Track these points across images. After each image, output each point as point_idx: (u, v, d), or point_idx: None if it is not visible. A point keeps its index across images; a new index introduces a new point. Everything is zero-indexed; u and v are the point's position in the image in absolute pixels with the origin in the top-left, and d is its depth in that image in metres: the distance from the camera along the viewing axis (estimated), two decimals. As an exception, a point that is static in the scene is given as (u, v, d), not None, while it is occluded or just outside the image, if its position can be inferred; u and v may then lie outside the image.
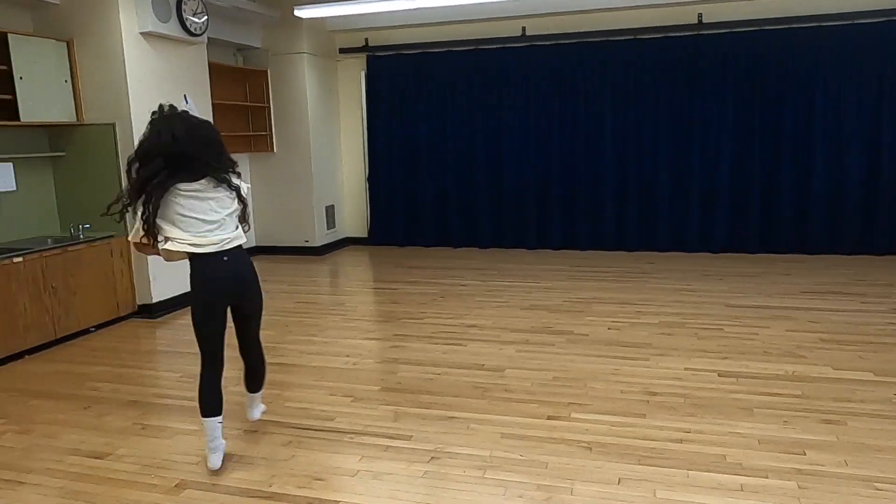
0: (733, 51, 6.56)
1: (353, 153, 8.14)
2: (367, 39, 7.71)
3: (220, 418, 2.71)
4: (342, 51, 7.84)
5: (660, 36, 6.77)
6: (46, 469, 2.74)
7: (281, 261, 7.29)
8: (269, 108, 7.38)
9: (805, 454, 2.66)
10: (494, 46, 7.24)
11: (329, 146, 7.83)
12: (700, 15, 6.63)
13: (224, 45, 6.80)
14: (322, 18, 7.36)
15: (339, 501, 2.44)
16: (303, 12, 6.51)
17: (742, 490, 2.42)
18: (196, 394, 2.74)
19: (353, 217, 8.26)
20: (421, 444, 2.87)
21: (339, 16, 7.21)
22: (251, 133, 7.35)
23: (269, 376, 3.71)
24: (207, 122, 2.77)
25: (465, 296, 5.46)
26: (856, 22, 6.22)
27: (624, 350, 4.01)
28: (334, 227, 7.95)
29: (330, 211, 7.84)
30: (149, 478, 2.65)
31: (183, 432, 3.06)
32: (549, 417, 3.09)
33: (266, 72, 7.32)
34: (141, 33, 4.93)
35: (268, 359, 3.99)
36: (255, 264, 2.94)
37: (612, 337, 4.27)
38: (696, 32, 6.66)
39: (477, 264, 6.80)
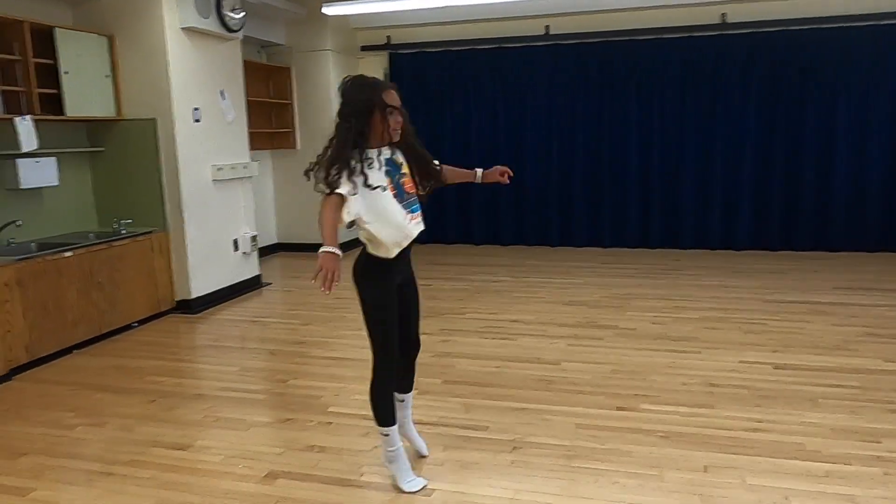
0: (757, 50, 6.64)
1: (373, 151, 8.14)
2: (389, 37, 7.73)
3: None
4: (364, 48, 7.85)
5: (684, 35, 6.84)
6: (132, 461, 2.75)
7: (305, 258, 7.27)
8: (292, 104, 7.39)
9: (881, 442, 2.73)
10: (518, 45, 7.29)
11: (351, 143, 7.83)
12: (724, 14, 6.71)
13: (249, 41, 6.78)
14: (345, 16, 7.37)
15: (435, 489, 2.47)
16: (330, 9, 6.53)
17: (829, 476, 2.47)
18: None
19: (374, 214, 8.26)
20: (500, 434, 2.91)
21: (363, 13, 7.24)
22: (274, 130, 7.35)
23: (328, 370, 3.77)
24: None
25: (502, 292, 5.50)
26: (882, 23, 6.32)
27: (674, 343, 4.07)
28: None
29: (351, 208, 7.83)
30: (237, 468, 2.67)
31: (258, 424, 3.08)
32: (618, 408, 3.14)
33: (290, 69, 7.32)
34: (182, 29, 4.92)
35: (320, 353, 4.06)
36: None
37: (658, 331, 4.33)
38: (719, 32, 6.75)
39: (503, 261, 6.85)
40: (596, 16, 6.98)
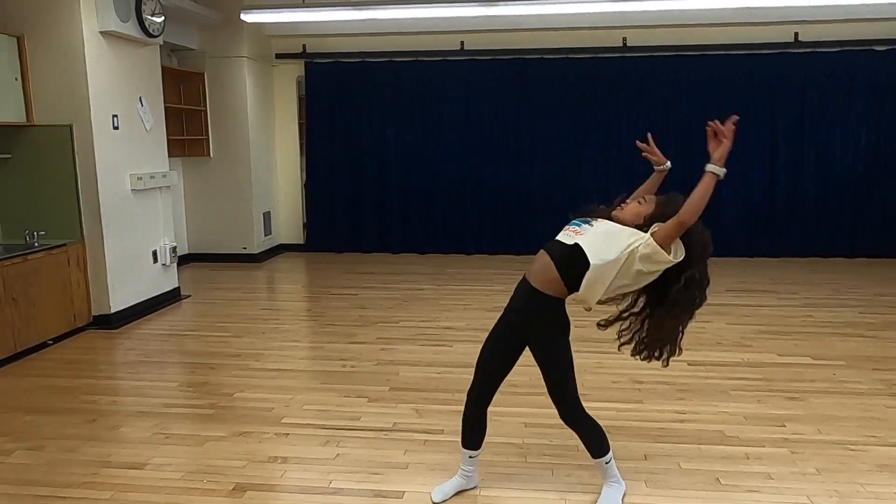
0: (654, 72, 7.24)
1: (288, 159, 8.09)
2: (304, 46, 7.71)
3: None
4: (279, 56, 7.79)
5: (589, 56, 7.33)
6: (84, 482, 2.67)
7: (219, 268, 7.12)
8: (205, 111, 7.20)
9: (785, 426, 3.14)
10: (434, 59, 7.51)
11: (266, 152, 7.75)
12: (625, 39, 7.26)
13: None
14: (260, 23, 7.28)
15: (406, 491, 2.59)
16: (249, 16, 6.47)
17: (748, 458, 2.83)
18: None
19: (289, 223, 8.20)
20: (455, 436, 3.04)
21: (279, 22, 7.19)
22: (186, 137, 7.13)
23: (274, 382, 3.78)
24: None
25: (429, 300, 5.67)
26: (757, 52, 7.09)
27: (598, 345, 4.33)
28: (270, 233, 7.86)
29: (267, 217, 7.75)
30: (201, 484, 2.66)
31: (213, 439, 3.06)
32: (559, 407, 3.38)
33: (203, 74, 7.14)
34: (100, 32, 4.73)
35: (261, 365, 4.05)
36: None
37: (582, 334, 4.58)
38: (621, 55, 7.29)
39: (422, 269, 7.02)
40: (509, 34, 7.33)
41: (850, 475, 2.67)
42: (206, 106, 7.18)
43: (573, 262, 2.27)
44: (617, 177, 7.43)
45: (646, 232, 2.28)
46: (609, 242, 2.25)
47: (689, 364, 4.00)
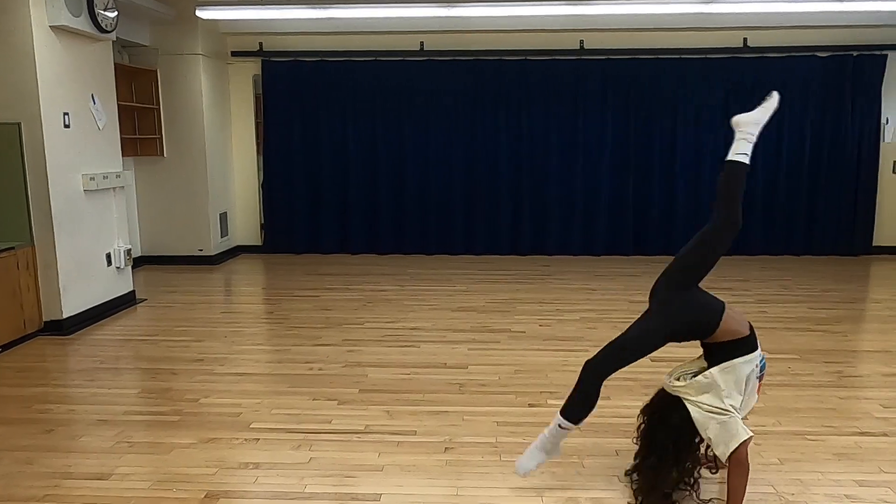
0: (611, 74, 7.38)
1: (244, 159, 7.94)
2: (261, 44, 7.58)
3: None
4: (234, 54, 7.63)
5: (547, 58, 7.43)
6: (46, 496, 2.56)
7: (174, 270, 6.94)
8: (158, 109, 7.01)
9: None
10: (395, 59, 7.48)
11: (222, 151, 7.59)
12: (582, 41, 7.39)
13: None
14: (215, 20, 7.12)
15: (381, 493, 2.58)
16: (205, 13, 6.34)
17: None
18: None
19: (246, 225, 8.05)
20: (428, 437, 3.06)
21: (235, 19, 7.06)
22: (138, 136, 6.93)
23: (239, 387, 3.70)
24: None
25: (392, 301, 5.65)
26: (709, 57, 7.31)
27: (562, 343, 4.46)
28: (227, 235, 7.70)
29: (223, 218, 7.58)
30: (171, 492, 2.59)
31: (180, 446, 2.98)
32: (529, 405, 3.43)
33: (155, 72, 6.94)
34: (51, 27, 4.55)
35: (225, 370, 3.97)
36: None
37: (547, 332, 4.71)
38: (578, 57, 7.41)
39: (384, 270, 6.98)
40: (468, 35, 7.36)
41: (811, 464, 2.78)
42: (159, 104, 6.99)
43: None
44: (577, 177, 7.56)
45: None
46: None
47: (651, 361, 4.08)
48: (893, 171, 7.55)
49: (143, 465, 2.81)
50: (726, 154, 2.57)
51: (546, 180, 7.58)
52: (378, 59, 7.51)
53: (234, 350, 4.35)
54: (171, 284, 6.32)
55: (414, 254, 7.77)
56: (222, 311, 5.38)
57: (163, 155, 7.07)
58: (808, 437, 3.04)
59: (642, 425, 2.56)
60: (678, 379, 2.49)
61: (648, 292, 2.66)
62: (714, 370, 2.38)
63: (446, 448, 2.95)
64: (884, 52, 7.25)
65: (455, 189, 7.66)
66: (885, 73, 7.29)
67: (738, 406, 2.36)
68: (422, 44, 7.48)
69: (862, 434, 3.07)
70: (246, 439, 3.04)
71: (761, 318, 5.05)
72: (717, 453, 2.37)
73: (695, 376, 2.43)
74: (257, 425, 3.19)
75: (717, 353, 2.42)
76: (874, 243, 7.59)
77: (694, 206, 7.53)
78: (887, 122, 7.44)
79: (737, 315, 2.46)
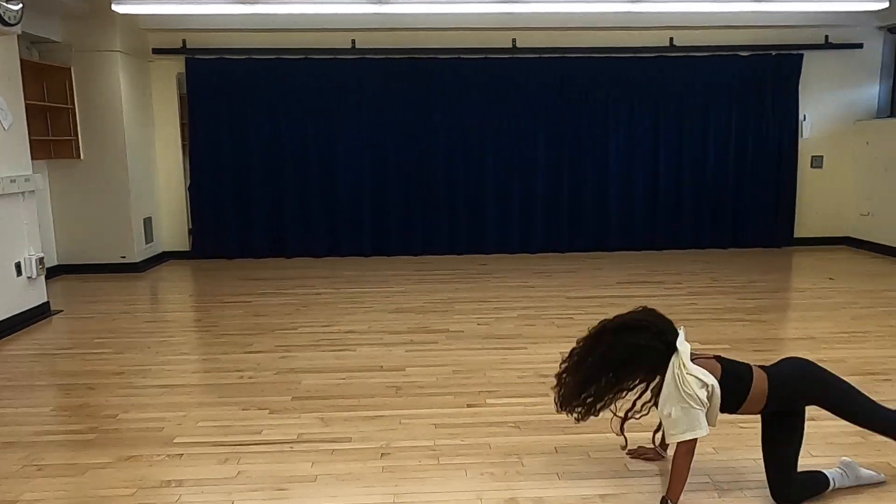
0: (543, 72, 7.43)
1: (170, 161, 7.61)
2: (184, 41, 7.28)
3: None
4: (156, 51, 7.30)
5: (480, 57, 7.42)
6: (-60, 529, 2.33)
7: (96, 279, 6.57)
8: (73, 109, 6.62)
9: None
10: (326, 57, 7.32)
11: (145, 153, 7.24)
12: (514, 40, 7.41)
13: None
14: (134, 15, 6.78)
15: (315, 506, 2.46)
16: (122, 7, 6.03)
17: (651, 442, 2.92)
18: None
19: (173, 230, 7.71)
20: (364, 443, 2.96)
21: (155, 14, 6.74)
22: (51, 137, 6.52)
23: (162, 399, 3.50)
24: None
25: (327, 304, 5.50)
26: (636, 56, 7.45)
27: (501, 342, 4.43)
28: (152, 241, 7.36)
29: (147, 223, 7.24)
30: (83, 517, 2.40)
31: (95, 466, 2.77)
32: (468, 405, 3.36)
33: (69, 69, 6.55)
34: (-55, 19, 4.21)
35: (147, 382, 3.75)
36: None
37: (485, 331, 4.67)
38: (511, 56, 7.43)
39: (319, 273, 6.82)
40: (400, 33, 7.27)
41: (741, 451, 2.83)
42: (74, 104, 6.60)
43: None
44: (513, 176, 7.57)
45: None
46: None
47: (589, 355, 4.09)
48: (811, 166, 7.89)
49: (54, 489, 2.60)
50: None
51: (481, 179, 7.57)
52: (309, 56, 7.33)
53: (158, 361, 4.12)
54: (91, 294, 5.98)
55: (350, 256, 7.62)
56: (146, 321, 5.10)
57: (79, 157, 6.68)
58: (741, 425, 3.08)
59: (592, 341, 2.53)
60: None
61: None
62: (716, 383, 2.38)
63: (383, 454, 2.85)
64: (800, 52, 7.57)
65: (390, 189, 7.55)
66: (802, 72, 7.61)
67: (706, 406, 2.38)
68: (353, 41, 7.34)
69: (791, 419, 3.13)
70: (168, 455, 2.86)
71: (692, 309, 5.16)
72: (666, 433, 2.40)
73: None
74: (181, 440, 3.01)
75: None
76: (795, 235, 7.91)
77: (627, 202, 7.67)
78: (805, 119, 7.77)
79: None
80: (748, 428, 3.05)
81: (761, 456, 2.79)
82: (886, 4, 6.35)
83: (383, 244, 7.65)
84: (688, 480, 2.58)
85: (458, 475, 2.67)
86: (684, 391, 2.33)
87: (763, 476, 2.58)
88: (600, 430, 3.04)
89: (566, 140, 7.58)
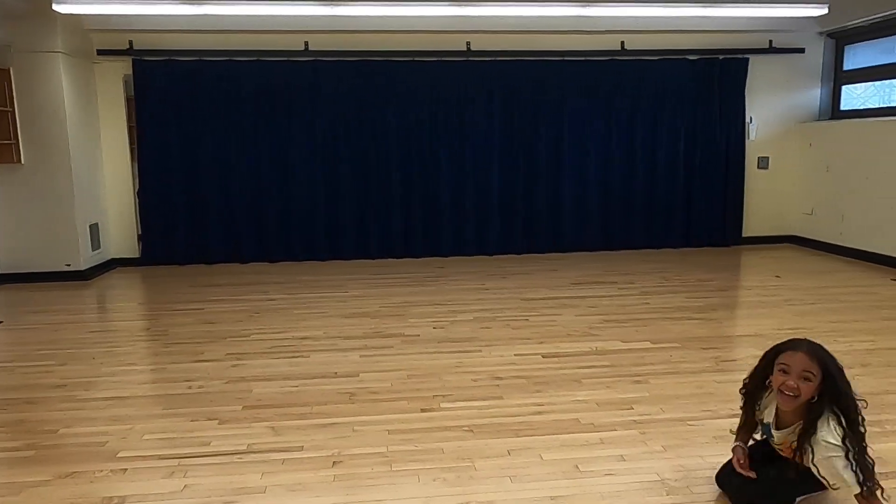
0: (497, 75, 7.47)
1: (117, 165, 7.39)
2: (131, 42, 7.09)
3: None
4: (101, 52, 7.09)
5: (435, 59, 7.42)
6: None
7: (40, 289, 6.33)
8: (12, 112, 6.37)
9: (633, 408, 3.32)
10: (279, 59, 7.22)
11: (90, 157, 7.02)
12: (468, 43, 7.43)
13: (-46, 36, 5.74)
14: (77, 15, 6.57)
15: (264, 518, 2.41)
16: (63, 7, 5.84)
17: (602, 443, 2.95)
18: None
19: (121, 236, 7.49)
20: (316, 452, 2.91)
21: (99, 14, 6.54)
22: (-10, 141, 6.28)
23: (107, 412, 3.39)
24: None
25: (282, 310, 5.41)
26: (588, 59, 7.56)
27: (456, 345, 4.42)
28: (99, 247, 7.14)
29: (94, 230, 7.02)
30: (18, 539, 2.30)
31: (32, 485, 2.65)
32: (422, 410, 3.35)
33: (8, 70, 6.31)
34: None
35: (91, 395, 3.63)
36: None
37: (440, 335, 4.66)
38: (465, 59, 7.45)
39: (274, 279, 6.71)
40: (354, 35, 7.21)
41: (692, 448, 2.88)
42: (13, 106, 6.35)
43: None
44: (468, 178, 7.59)
45: None
46: None
47: (543, 357, 4.14)
48: (758, 167, 8.12)
49: (-13, 509, 2.49)
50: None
51: (437, 181, 7.57)
52: (261, 58, 7.22)
53: (103, 372, 3.99)
54: (34, 304, 5.76)
55: (307, 260, 7.52)
56: (91, 331, 4.94)
57: (20, 162, 6.43)
58: (689, 422, 3.15)
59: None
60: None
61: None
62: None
63: (334, 462, 2.81)
64: (746, 56, 7.78)
65: (345, 192, 7.49)
66: (748, 76, 7.82)
67: None
68: (307, 44, 7.26)
69: (736, 415, 3.19)
70: (112, 471, 2.77)
71: (644, 308, 5.25)
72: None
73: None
74: (125, 454, 2.91)
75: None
76: (744, 234, 8.13)
77: (581, 203, 7.77)
78: (751, 122, 7.99)
79: None
80: (695, 425, 3.12)
81: (706, 452, 2.86)
82: (826, 11, 6.57)
83: (339, 248, 7.58)
84: (638, 479, 2.63)
85: (411, 481, 2.65)
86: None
87: (710, 472, 2.63)
88: (552, 431, 3.07)
89: (520, 142, 7.63)
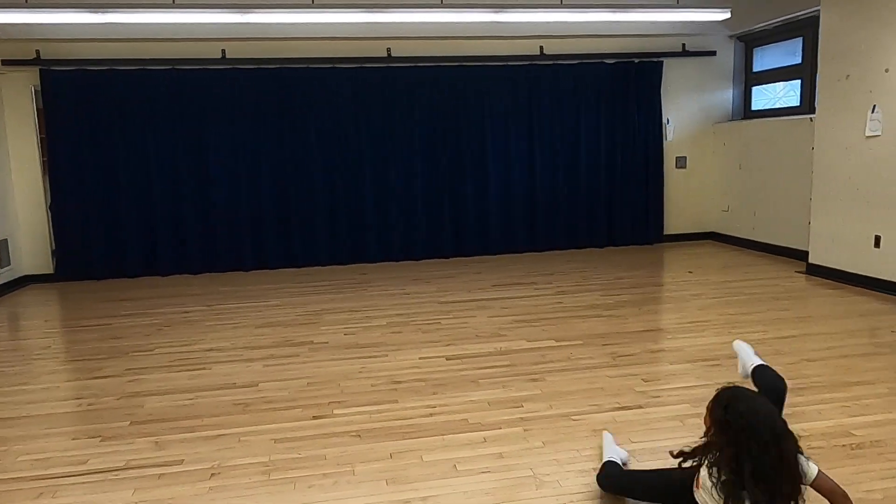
0: (419, 81, 7.52)
1: (27, 179, 7.15)
2: (38, 51, 6.88)
3: None
4: (6, 62, 6.87)
5: (356, 66, 7.41)
6: None
7: (-59, 309, 6.08)
8: None
9: (523, 406, 3.38)
10: (195, 67, 7.11)
11: (-3, 171, 6.79)
12: (389, 49, 7.46)
13: None
14: (-22, 24, 6.36)
15: (126, 535, 2.36)
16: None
17: (486, 441, 2.99)
18: None
19: (34, 252, 7.24)
20: (196, 464, 2.87)
21: (3, 23, 6.34)
22: None
23: (-15, 434, 3.27)
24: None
25: (193, 322, 5.32)
26: (509, 63, 7.67)
27: (363, 350, 4.42)
28: (9, 264, 6.89)
29: (3, 245, 6.78)
30: None
31: None
32: (314, 417, 3.33)
33: None
34: None
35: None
36: None
37: (350, 341, 4.65)
38: (386, 65, 7.47)
39: (193, 291, 6.59)
40: (273, 42, 7.16)
41: (570, 443, 2.94)
42: None
43: None
44: (392, 183, 7.60)
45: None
46: None
47: (446, 359, 4.17)
48: (676, 167, 8.36)
49: None
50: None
51: (361, 188, 7.56)
52: (176, 67, 7.10)
53: (-9, 393, 3.85)
54: (-68, 325, 5.53)
55: (229, 271, 7.41)
56: (-14, 351, 4.76)
57: (-82, 178, 6.18)
58: (573, 417, 3.22)
59: None
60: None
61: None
62: None
63: (213, 474, 2.77)
64: (660, 59, 8.02)
65: (266, 200, 7.41)
66: (663, 78, 8.06)
67: None
68: (223, 51, 7.17)
69: (620, 409, 3.30)
70: (-25, 495, 2.68)
71: (556, 308, 5.34)
72: None
73: None
74: (-6, 477, 2.82)
75: None
76: (665, 232, 8.35)
77: (506, 205, 7.86)
78: (668, 123, 8.23)
79: None
80: (578, 420, 3.18)
81: (582, 445, 2.92)
82: (729, 15, 6.82)
83: (263, 258, 7.49)
84: (511, 476, 2.68)
85: (287, 489, 2.64)
86: None
87: (582, 465, 2.69)
88: (439, 433, 3.10)
89: (444, 147, 7.69)
